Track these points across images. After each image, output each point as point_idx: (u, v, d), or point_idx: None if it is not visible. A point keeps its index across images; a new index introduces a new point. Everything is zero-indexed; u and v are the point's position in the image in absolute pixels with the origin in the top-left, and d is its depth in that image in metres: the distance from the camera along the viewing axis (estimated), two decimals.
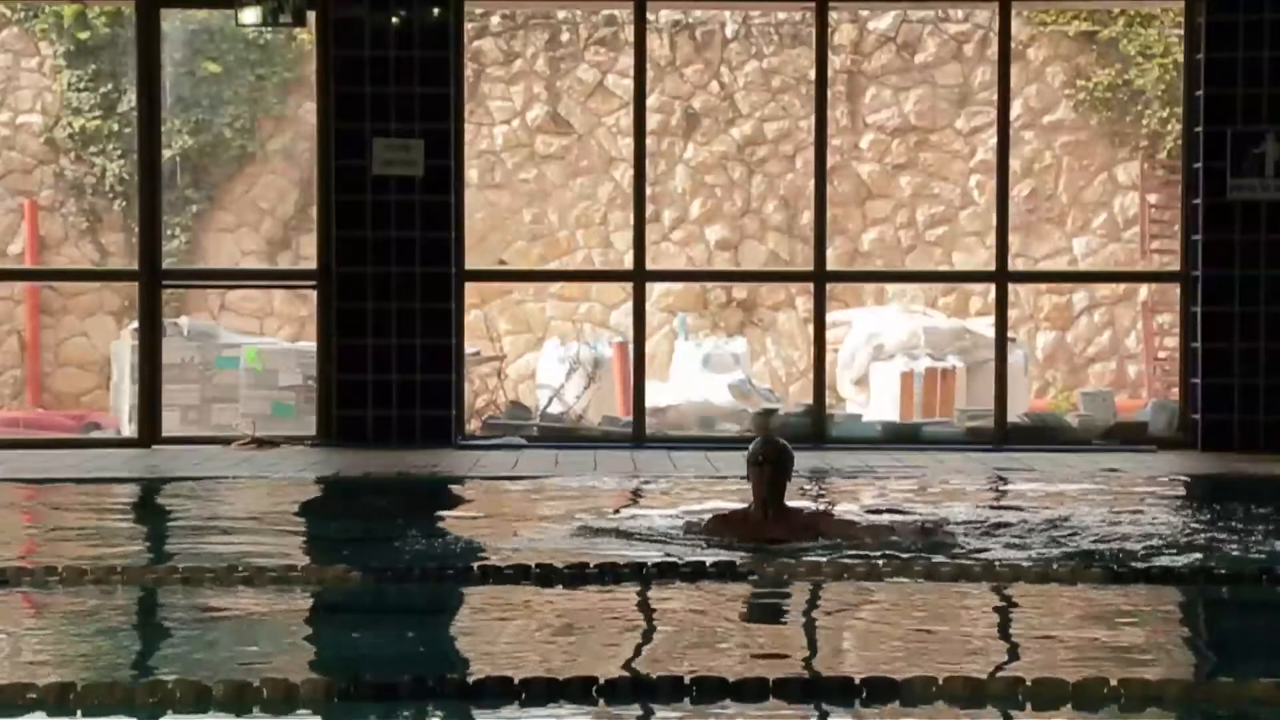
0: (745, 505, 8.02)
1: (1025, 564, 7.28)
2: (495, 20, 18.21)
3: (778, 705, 5.02)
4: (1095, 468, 11.71)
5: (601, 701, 5.04)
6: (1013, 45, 14.29)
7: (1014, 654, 6.02)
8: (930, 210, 18.24)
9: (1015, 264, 15.64)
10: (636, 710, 5.06)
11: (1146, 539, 8.12)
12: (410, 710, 5.01)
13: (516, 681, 5.08)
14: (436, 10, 12.98)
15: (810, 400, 13.86)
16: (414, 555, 7.65)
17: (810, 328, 14.28)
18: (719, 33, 18.32)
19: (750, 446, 7.98)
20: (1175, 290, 13.80)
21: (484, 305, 17.73)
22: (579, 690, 5.06)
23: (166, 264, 13.93)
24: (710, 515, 8.13)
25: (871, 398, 16.80)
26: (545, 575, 6.98)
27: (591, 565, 7.12)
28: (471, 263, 13.79)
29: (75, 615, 6.56)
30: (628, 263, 14.23)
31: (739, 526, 7.84)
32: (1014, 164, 16.07)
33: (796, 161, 18.01)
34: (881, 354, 17.02)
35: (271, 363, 15.91)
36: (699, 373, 16.84)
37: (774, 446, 7.94)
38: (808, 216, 15.45)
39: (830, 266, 14.39)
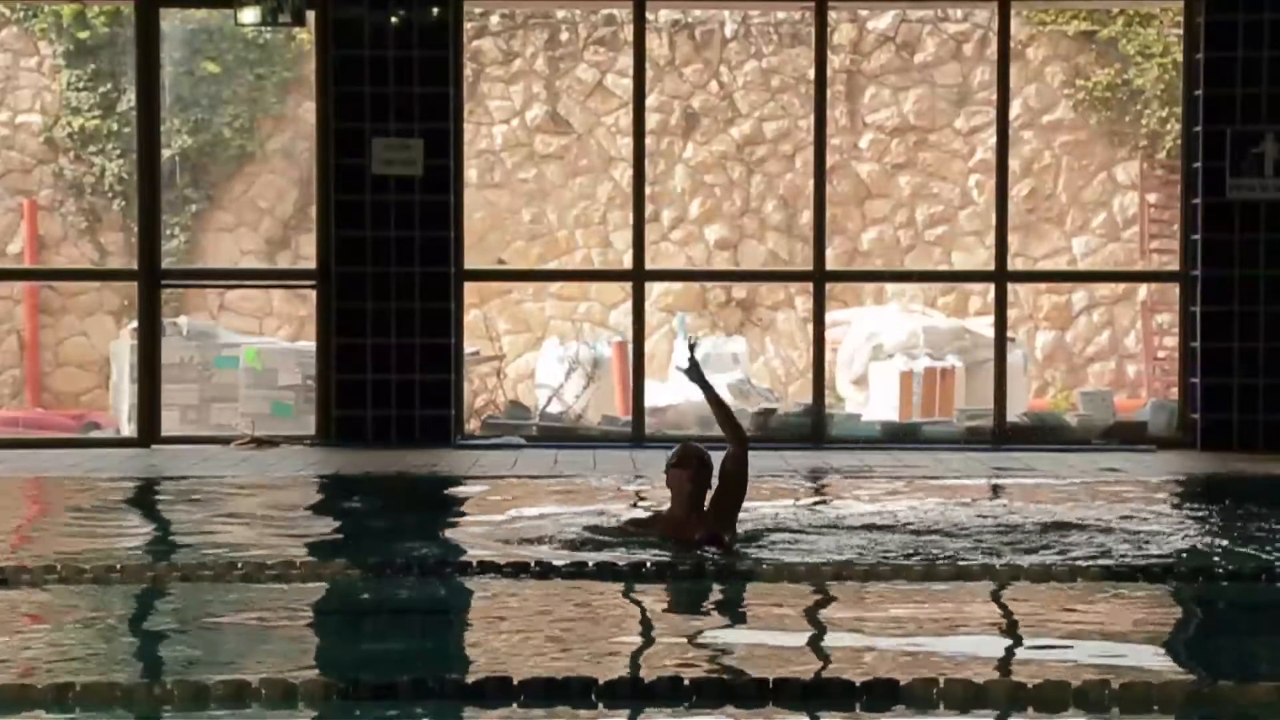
0: (661, 510, 7.98)
1: (1024, 564, 7.28)
2: (495, 20, 18.21)
3: (778, 707, 5.01)
4: (1094, 467, 11.71)
5: (601, 702, 5.03)
6: (1012, 45, 14.28)
7: (1015, 656, 6.02)
8: (929, 210, 18.23)
9: (1014, 264, 15.64)
10: (636, 711, 5.05)
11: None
12: (409, 710, 5.00)
13: (516, 682, 5.07)
14: (436, 10, 12.98)
15: (809, 400, 13.86)
16: (409, 553, 7.64)
17: (809, 327, 14.27)
18: (718, 32, 18.32)
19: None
20: (1174, 290, 13.79)
21: (483, 305, 17.73)
22: (578, 691, 5.05)
23: (166, 264, 13.92)
24: (626, 521, 8.09)
25: (870, 397, 16.80)
26: (545, 572, 6.97)
27: (590, 564, 7.12)
28: (471, 262, 13.79)
29: (74, 614, 6.55)
30: (627, 262, 14.23)
31: (658, 527, 7.79)
32: (1013, 164, 16.06)
33: (796, 161, 18.00)
34: (881, 354, 17.02)
35: (271, 362, 15.91)
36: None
37: (694, 450, 7.87)
38: (807, 216, 15.44)
39: (829, 266, 14.38)
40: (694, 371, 7.89)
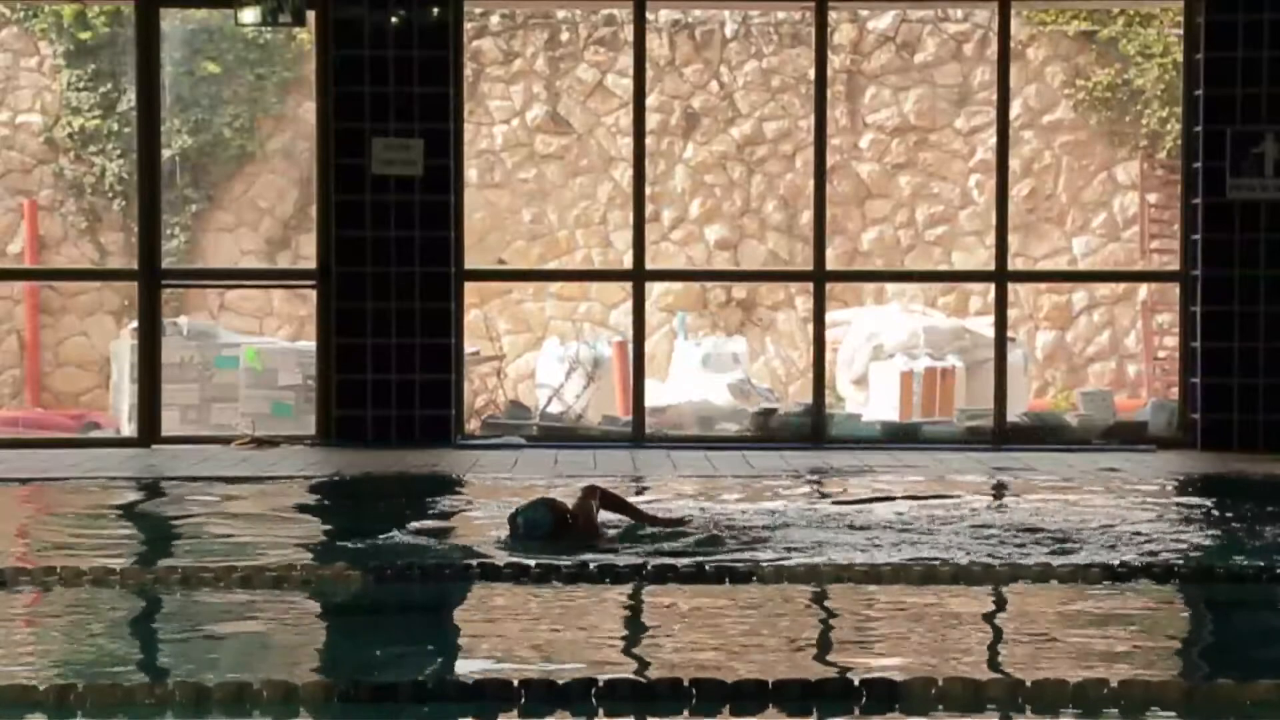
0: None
1: (1026, 565, 7.28)
2: (495, 20, 18.22)
3: (778, 707, 5.02)
4: (1094, 467, 11.71)
5: (601, 704, 5.04)
6: (1012, 45, 14.28)
7: (1014, 655, 6.02)
8: (930, 210, 18.24)
9: (1015, 263, 15.65)
10: (636, 712, 5.06)
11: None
12: (410, 712, 5.01)
13: (516, 684, 5.08)
14: (436, 10, 12.98)
15: (810, 400, 13.86)
16: (413, 555, 7.64)
17: (810, 327, 14.28)
18: (718, 32, 18.32)
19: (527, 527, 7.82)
20: (1174, 290, 13.79)
21: (483, 305, 17.74)
22: (579, 692, 5.06)
23: (166, 264, 13.93)
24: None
25: (871, 397, 16.81)
26: (545, 575, 6.98)
27: (591, 566, 7.12)
28: (471, 262, 13.79)
29: (75, 616, 6.55)
30: (627, 262, 14.23)
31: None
32: (1013, 164, 16.08)
33: (796, 161, 18.01)
34: (881, 354, 17.03)
35: (271, 362, 15.92)
36: (698, 372, 16.85)
37: (542, 527, 7.81)
38: (807, 216, 15.45)
39: (830, 266, 14.38)
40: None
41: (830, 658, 6.00)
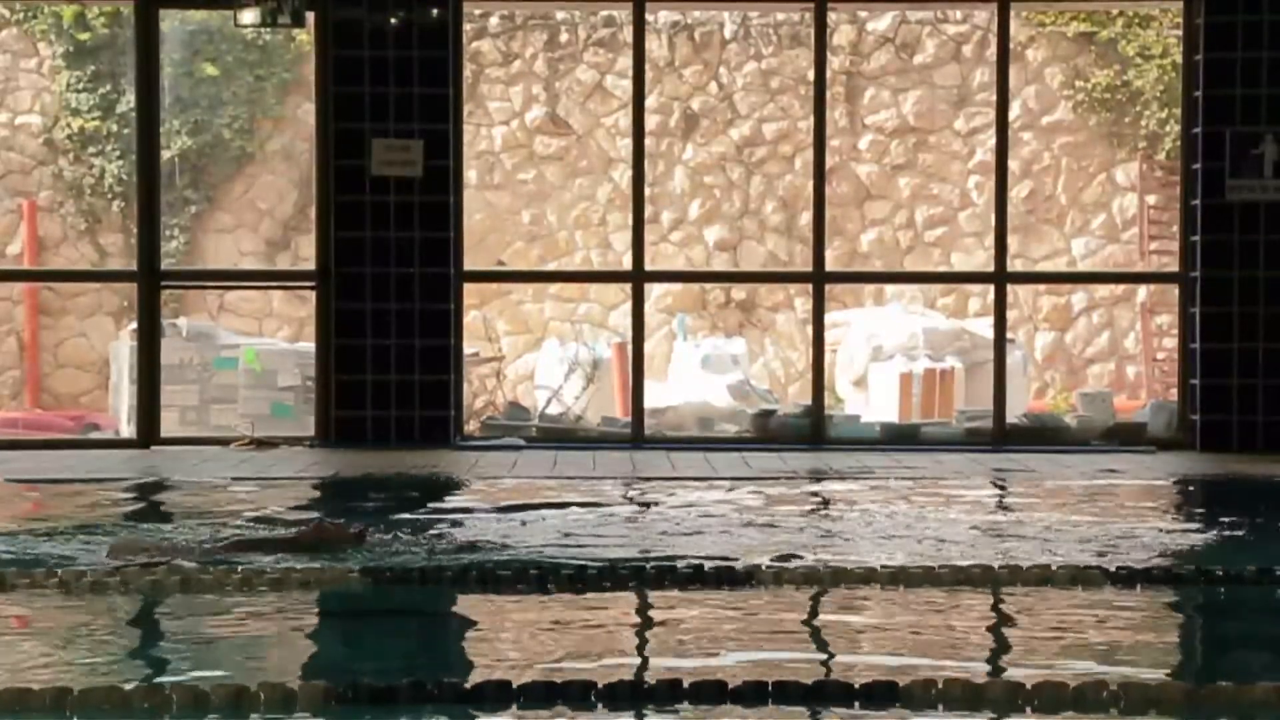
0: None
1: (1024, 566, 7.28)
2: (494, 21, 18.22)
3: (777, 709, 5.02)
4: (1093, 468, 11.71)
5: (600, 705, 5.03)
6: (1011, 46, 14.28)
7: (1014, 657, 6.02)
8: (929, 211, 18.24)
9: (1014, 265, 15.64)
10: (636, 714, 5.06)
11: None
12: (409, 714, 5.00)
13: (515, 686, 5.07)
14: (435, 11, 12.98)
15: (809, 401, 13.86)
16: (411, 556, 7.64)
17: (809, 328, 14.28)
18: (718, 33, 18.32)
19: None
20: (1174, 291, 13.80)
21: (483, 306, 17.73)
22: (578, 694, 5.05)
23: (165, 265, 13.93)
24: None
25: (870, 398, 16.81)
26: (543, 578, 6.98)
27: (591, 567, 7.12)
28: (470, 263, 13.79)
29: (73, 618, 6.55)
30: (626, 263, 14.24)
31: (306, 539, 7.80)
32: (1013, 165, 16.08)
33: (795, 162, 18.01)
34: (880, 355, 17.03)
35: (270, 363, 15.92)
36: (698, 373, 16.85)
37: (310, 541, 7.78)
38: (806, 217, 15.44)
39: (829, 267, 14.38)
40: None
41: (830, 659, 5.99)
